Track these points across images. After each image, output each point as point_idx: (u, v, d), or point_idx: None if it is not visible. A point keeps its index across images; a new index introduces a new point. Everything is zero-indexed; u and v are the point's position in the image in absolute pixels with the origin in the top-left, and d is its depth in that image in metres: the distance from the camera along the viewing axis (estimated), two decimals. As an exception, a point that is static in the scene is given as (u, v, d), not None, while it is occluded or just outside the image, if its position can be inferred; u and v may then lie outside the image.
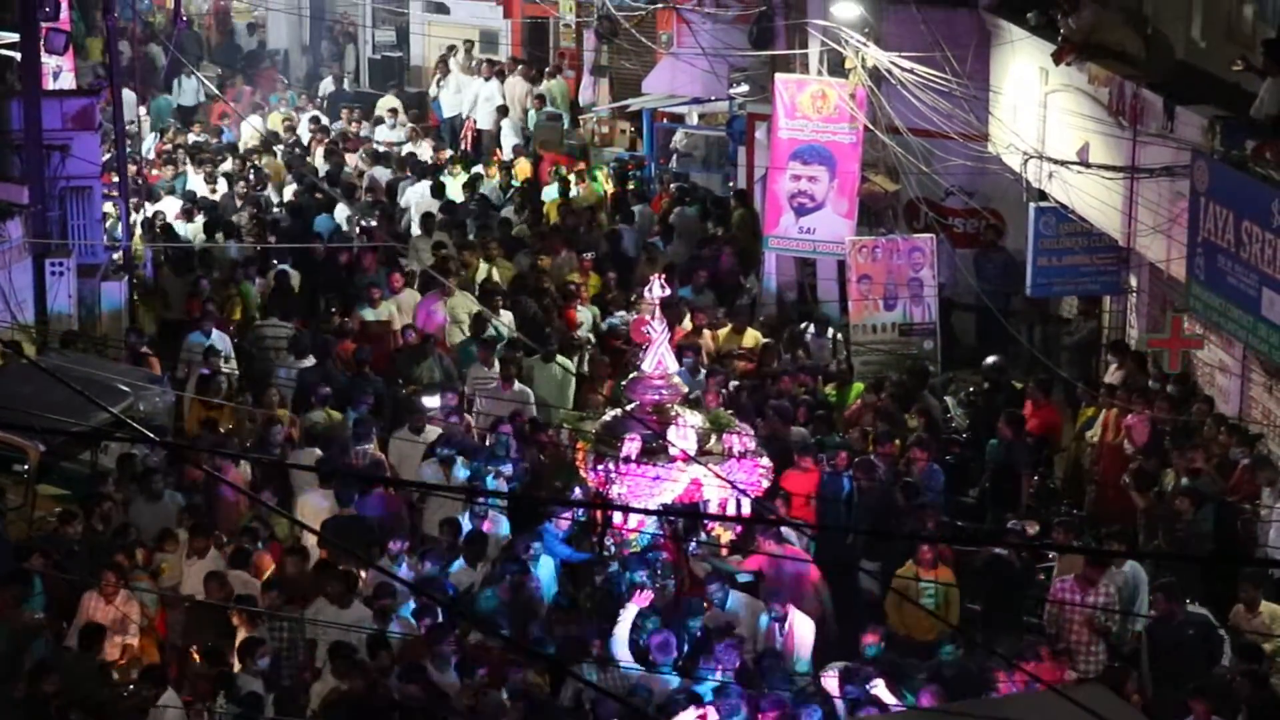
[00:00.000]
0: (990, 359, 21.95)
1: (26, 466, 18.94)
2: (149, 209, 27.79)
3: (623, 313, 23.65)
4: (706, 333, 23.05)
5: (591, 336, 23.45)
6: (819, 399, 21.45)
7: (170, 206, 28.70)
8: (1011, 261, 24.36)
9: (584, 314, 23.86)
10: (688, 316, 23.23)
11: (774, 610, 16.38)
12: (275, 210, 28.90)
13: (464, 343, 22.98)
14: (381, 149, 32.46)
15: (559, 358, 22.10)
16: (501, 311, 22.92)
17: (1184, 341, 20.31)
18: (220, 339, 22.45)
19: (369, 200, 29.31)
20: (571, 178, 29.98)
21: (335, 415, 20.84)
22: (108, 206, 25.96)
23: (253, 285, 24.86)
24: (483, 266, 25.14)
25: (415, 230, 27.65)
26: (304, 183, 29.68)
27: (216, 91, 34.85)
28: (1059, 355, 23.12)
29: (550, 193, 29.75)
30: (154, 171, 30.88)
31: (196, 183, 30.18)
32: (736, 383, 21.40)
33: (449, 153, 32.45)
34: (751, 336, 23.26)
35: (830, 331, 23.89)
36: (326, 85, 38.47)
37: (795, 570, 17.36)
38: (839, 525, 18.83)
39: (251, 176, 30.12)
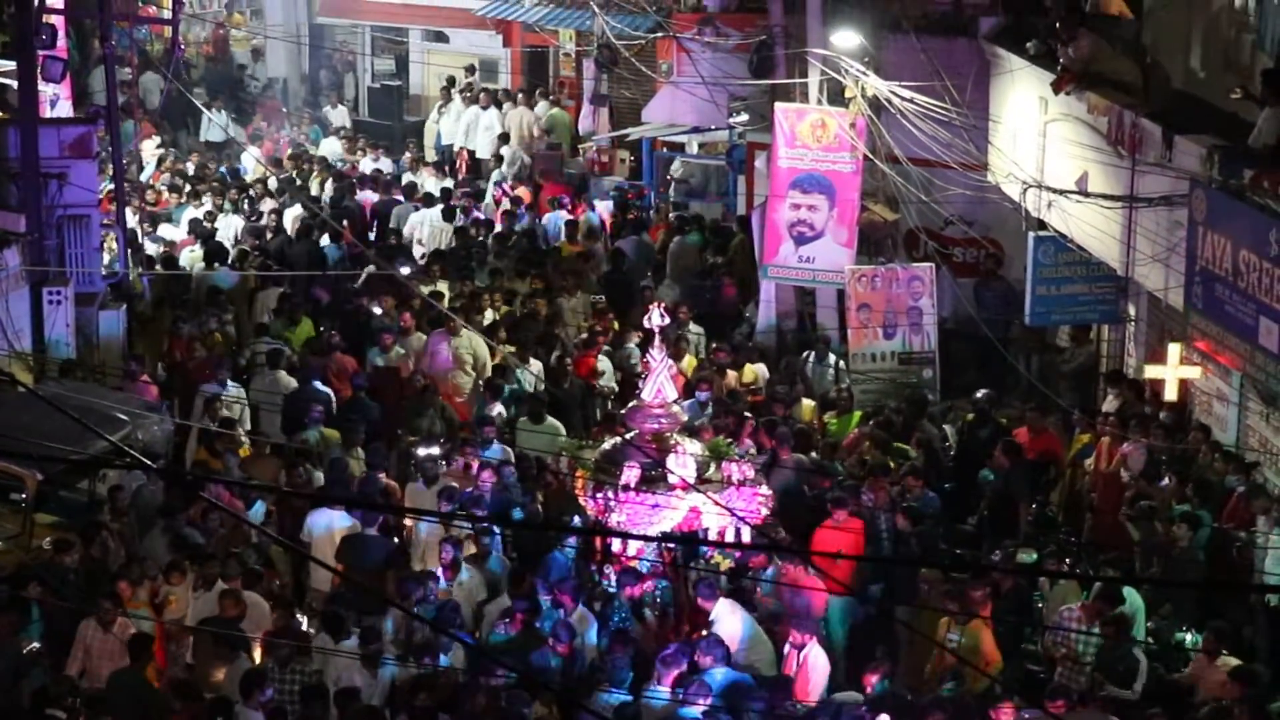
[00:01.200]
0: (981, 392, 21.93)
1: (25, 495, 18.89)
2: (149, 244, 27.83)
3: (631, 346, 23.58)
4: (731, 373, 22.97)
5: (615, 386, 23.10)
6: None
7: (171, 235, 28.77)
8: (1011, 290, 24.38)
9: (605, 363, 23.40)
10: (692, 350, 23.27)
11: (793, 638, 16.33)
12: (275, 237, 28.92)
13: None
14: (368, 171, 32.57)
15: (549, 419, 21.51)
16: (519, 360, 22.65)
17: (1181, 371, 20.29)
18: (235, 389, 22.05)
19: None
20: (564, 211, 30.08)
21: (331, 434, 20.82)
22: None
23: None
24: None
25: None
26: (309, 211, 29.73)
27: (224, 132, 34.95)
28: (1057, 383, 23.10)
29: (553, 220, 29.78)
30: (149, 202, 30.92)
31: (199, 214, 30.01)
32: (748, 415, 21.24)
33: (449, 181, 32.51)
34: (751, 372, 23.18)
35: (831, 358, 23.86)
36: (341, 115, 38.48)
37: (808, 600, 17.33)
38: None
39: (255, 206, 30.09)
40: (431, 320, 23.77)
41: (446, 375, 22.85)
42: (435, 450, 19.93)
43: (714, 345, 23.98)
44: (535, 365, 22.67)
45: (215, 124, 36.00)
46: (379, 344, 23.32)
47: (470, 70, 37.03)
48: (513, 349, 23.06)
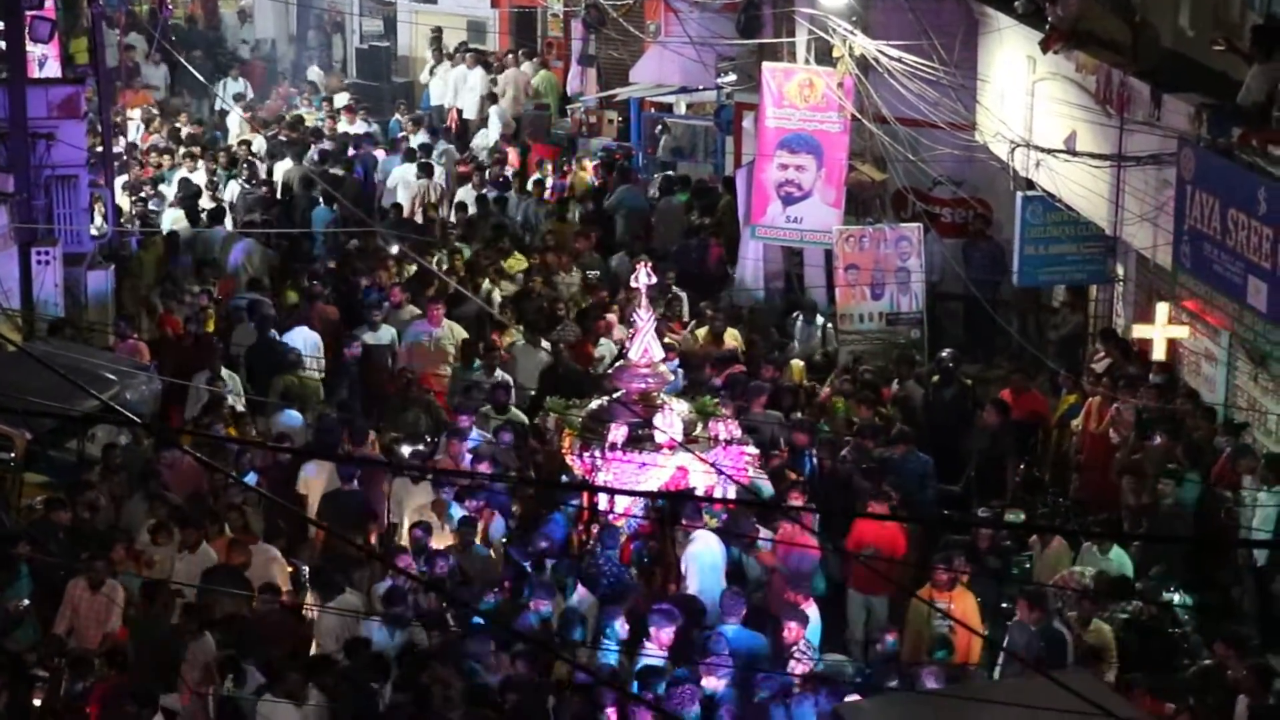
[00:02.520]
0: (945, 351, 21.96)
1: (13, 454, 18.89)
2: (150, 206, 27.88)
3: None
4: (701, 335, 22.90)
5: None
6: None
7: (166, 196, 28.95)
8: (999, 251, 24.35)
9: (605, 347, 22.46)
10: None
11: (790, 598, 16.37)
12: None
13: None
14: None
15: (544, 342, 21.81)
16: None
17: (1169, 330, 20.30)
18: (230, 378, 21.48)
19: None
20: (549, 170, 29.96)
21: (310, 381, 20.88)
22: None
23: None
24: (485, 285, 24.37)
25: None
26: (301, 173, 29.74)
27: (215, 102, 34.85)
28: (1045, 346, 23.12)
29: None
30: (140, 164, 30.92)
31: (196, 178, 29.86)
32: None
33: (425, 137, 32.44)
34: (732, 336, 22.92)
35: (819, 320, 23.86)
36: (317, 75, 38.38)
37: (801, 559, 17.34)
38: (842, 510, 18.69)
39: (246, 170, 30.05)
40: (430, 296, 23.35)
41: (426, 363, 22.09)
42: (419, 449, 19.54)
43: (704, 306, 23.86)
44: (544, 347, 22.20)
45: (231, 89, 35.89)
46: (368, 322, 22.76)
47: (437, 31, 37.03)
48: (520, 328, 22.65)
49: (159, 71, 36.74)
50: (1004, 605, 17.18)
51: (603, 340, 22.48)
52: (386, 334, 22.65)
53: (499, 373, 21.21)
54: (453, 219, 28.54)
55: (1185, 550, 17.84)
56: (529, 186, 29.41)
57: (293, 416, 20.48)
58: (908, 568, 17.62)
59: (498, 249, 25.71)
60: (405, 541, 17.68)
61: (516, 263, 25.39)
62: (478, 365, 21.51)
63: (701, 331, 23.07)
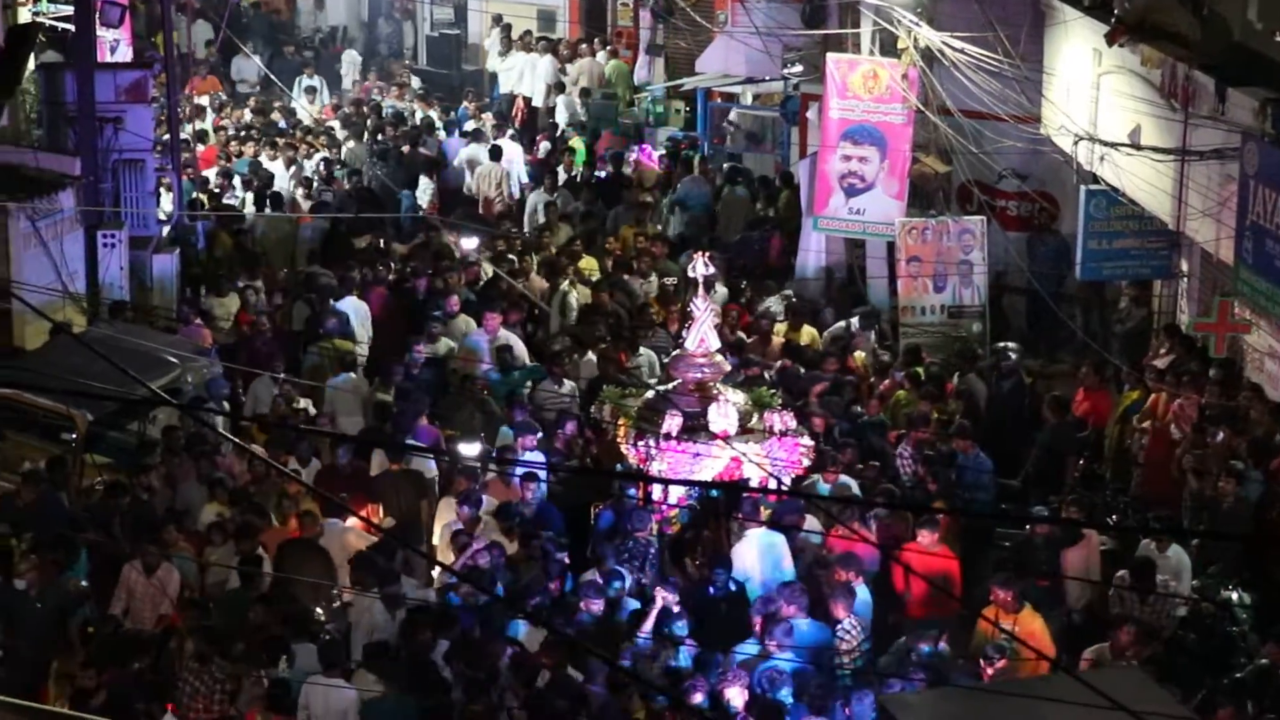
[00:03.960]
0: (1002, 344, 21.87)
1: (75, 435, 19.05)
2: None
3: None
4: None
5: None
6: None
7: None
8: (1065, 245, 24.21)
9: (644, 355, 21.74)
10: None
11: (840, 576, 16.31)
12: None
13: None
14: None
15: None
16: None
17: (1231, 326, 20.15)
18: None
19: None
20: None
21: (345, 344, 21.15)
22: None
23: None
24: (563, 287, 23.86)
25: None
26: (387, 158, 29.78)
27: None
28: (1109, 341, 22.99)
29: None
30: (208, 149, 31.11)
31: (274, 167, 29.94)
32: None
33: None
34: (808, 334, 22.73)
35: (875, 326, 23.61)
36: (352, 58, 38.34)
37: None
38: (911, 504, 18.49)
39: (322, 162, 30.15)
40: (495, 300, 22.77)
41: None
42: (476, 448, 18.91)
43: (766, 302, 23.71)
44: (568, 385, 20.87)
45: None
46: (427, 334, 21.82)
47: (497, 20, 37.13)
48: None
49: (251, 64, 36.91)
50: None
51: (642, 350, 21.87)
52: (443, 346, 21.87)
53: (567, 382, 20.76)
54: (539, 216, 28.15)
55: (1244, 548, 17.72)
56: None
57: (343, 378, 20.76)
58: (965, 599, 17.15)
59: (573, 251, 25.27)
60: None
61: (590, 264, 25.07)
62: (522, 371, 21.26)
63: (781, 327, 22.82)
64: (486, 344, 21.69)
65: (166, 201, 26.29)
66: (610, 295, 23.52)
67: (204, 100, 34.06)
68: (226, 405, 20.34)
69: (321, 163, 29.80)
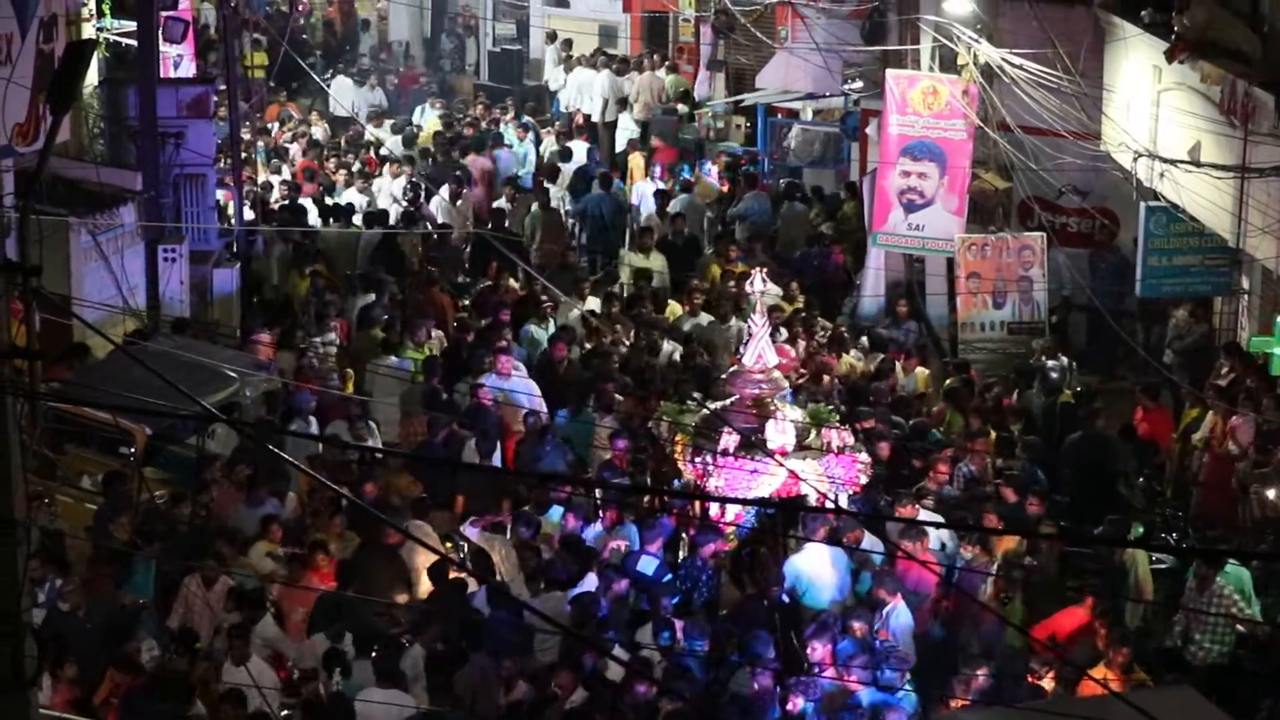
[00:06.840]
0: (1049, 360, 21.80)
1: (134, 450, 19.15)
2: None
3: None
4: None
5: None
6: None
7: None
8: (1125, 262, 24.12)
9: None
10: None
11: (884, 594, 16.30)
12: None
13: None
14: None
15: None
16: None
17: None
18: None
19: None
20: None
21: (377, 334, 21.63)
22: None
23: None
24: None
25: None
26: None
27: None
28: (1170, 358, 22.88)
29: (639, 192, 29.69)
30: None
31: (350, 195, 29.76)
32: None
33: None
34: (847, 363, 22.31)
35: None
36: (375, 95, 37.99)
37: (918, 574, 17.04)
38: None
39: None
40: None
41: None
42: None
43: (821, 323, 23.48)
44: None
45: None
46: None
47: (553, 36, 37.17)
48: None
49: (375, 94, 36.89)
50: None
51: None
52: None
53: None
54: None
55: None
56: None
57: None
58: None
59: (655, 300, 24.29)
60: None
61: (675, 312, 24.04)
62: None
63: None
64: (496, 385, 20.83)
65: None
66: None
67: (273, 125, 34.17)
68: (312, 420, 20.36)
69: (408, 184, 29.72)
